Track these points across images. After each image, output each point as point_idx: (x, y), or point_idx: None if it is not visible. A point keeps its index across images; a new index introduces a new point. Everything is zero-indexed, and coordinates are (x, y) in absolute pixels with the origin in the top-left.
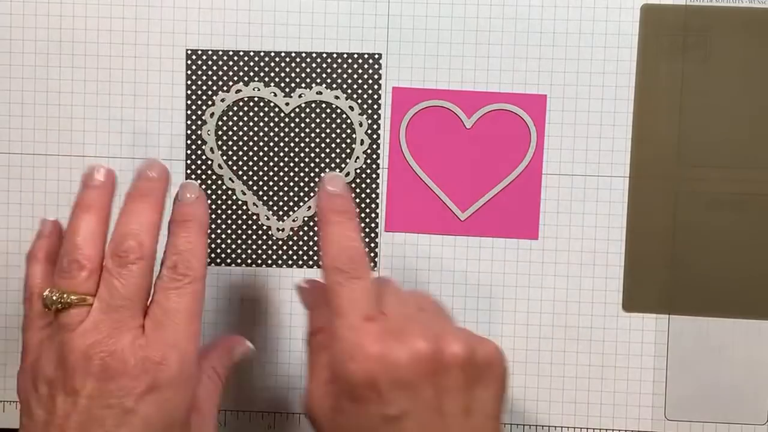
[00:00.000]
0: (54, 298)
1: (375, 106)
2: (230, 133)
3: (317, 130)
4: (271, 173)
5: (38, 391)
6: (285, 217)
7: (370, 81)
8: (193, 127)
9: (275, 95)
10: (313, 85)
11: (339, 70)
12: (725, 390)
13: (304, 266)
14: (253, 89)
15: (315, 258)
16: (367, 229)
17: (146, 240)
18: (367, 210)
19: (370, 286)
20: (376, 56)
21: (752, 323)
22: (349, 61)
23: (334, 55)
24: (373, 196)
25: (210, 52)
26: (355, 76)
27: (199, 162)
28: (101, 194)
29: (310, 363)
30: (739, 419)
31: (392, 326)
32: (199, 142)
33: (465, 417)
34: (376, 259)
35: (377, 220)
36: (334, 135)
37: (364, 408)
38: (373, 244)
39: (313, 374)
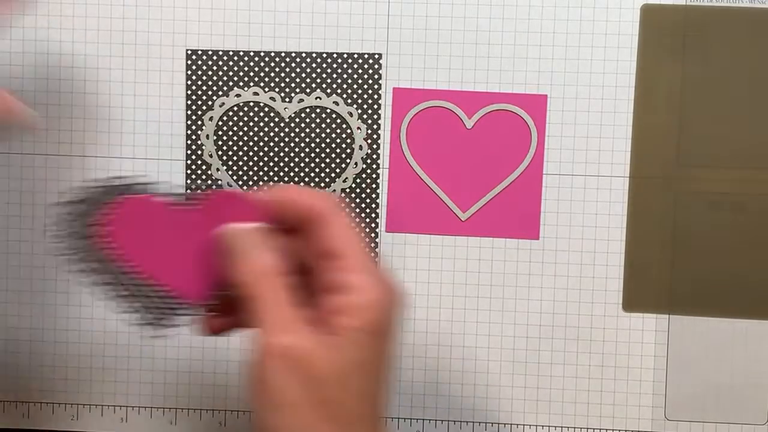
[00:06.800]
0: None
1: (374, 109)
2: (229, 137)
3: (315, 136)
4: (266, 178)
5: None
6: None
7: (370, 81)
8: (193, 127)
9: (274, 100)
10: (313, 90)
11: (339, 71)
12: (725, 390)
13: None
14: (253, 94)
15: None
16: (367, 230)
17: None
18: (368, 210)
19: None
20: (376, 56)
21: (752, 323)
22: (349, 61)
23: (334, 56)
24: (374, 196)
25: (210, 53)
26: (355, 76)
27: (197, 165)
28: None
29: None
30: (739, 419)
31: None
32: (198, 144)
33: None
34: (376, 260)
35: (378, 221)
36: (332, 140)
37: None
38: (373, 245)
39: None
